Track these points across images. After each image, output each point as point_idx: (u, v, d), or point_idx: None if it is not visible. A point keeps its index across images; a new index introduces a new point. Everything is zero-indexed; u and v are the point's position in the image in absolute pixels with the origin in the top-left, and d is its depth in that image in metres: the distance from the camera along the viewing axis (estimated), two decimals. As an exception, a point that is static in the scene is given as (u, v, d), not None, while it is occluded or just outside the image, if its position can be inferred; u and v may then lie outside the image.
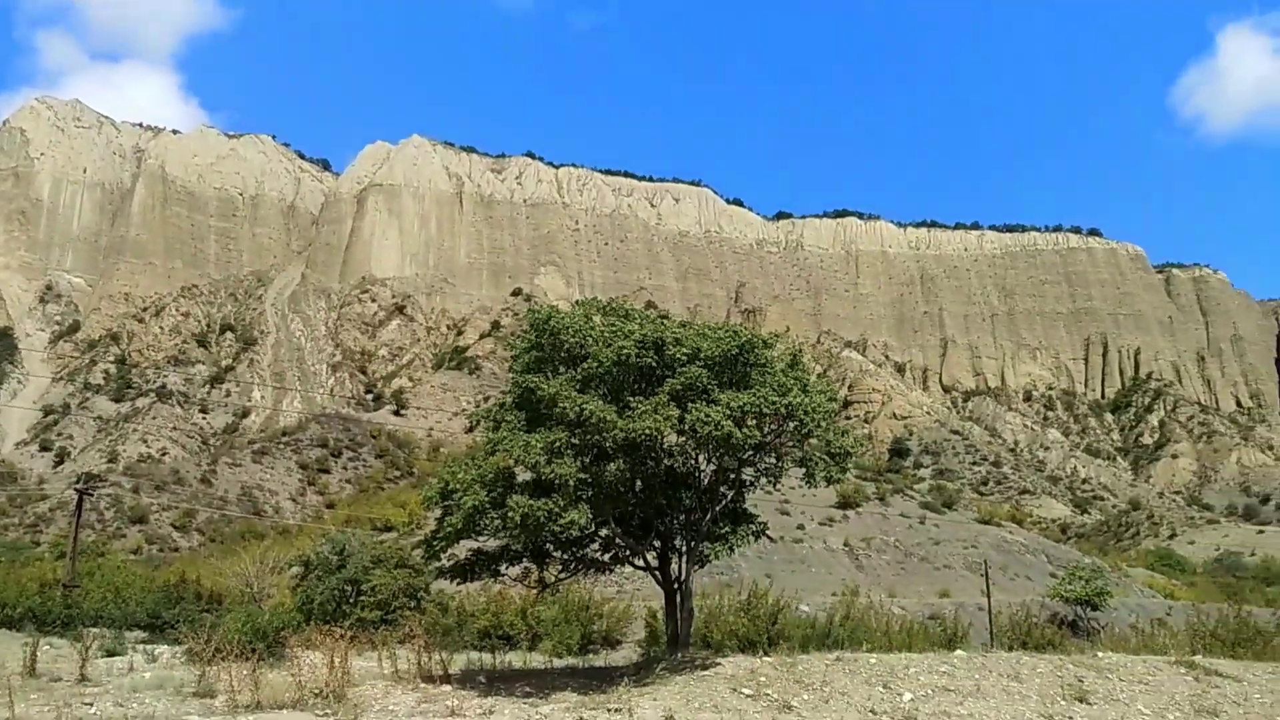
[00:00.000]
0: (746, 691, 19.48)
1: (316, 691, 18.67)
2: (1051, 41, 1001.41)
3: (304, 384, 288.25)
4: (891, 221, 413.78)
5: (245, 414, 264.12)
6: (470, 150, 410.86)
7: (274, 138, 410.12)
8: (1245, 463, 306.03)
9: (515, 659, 29.08)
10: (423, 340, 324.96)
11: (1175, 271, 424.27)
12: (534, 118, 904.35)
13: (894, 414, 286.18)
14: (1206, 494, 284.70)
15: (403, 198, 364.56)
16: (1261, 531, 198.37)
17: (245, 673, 18.98)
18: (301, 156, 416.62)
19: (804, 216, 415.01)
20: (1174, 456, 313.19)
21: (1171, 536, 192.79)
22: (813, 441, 22.61)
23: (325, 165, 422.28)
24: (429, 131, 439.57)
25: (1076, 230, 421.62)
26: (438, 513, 22.49)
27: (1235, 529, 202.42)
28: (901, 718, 19.25)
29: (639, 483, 22.41)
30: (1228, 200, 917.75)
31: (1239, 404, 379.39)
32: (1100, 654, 27.01)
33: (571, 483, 19.82)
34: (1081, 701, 21.68)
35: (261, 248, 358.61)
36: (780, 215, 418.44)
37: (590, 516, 20.48)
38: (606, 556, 24.21)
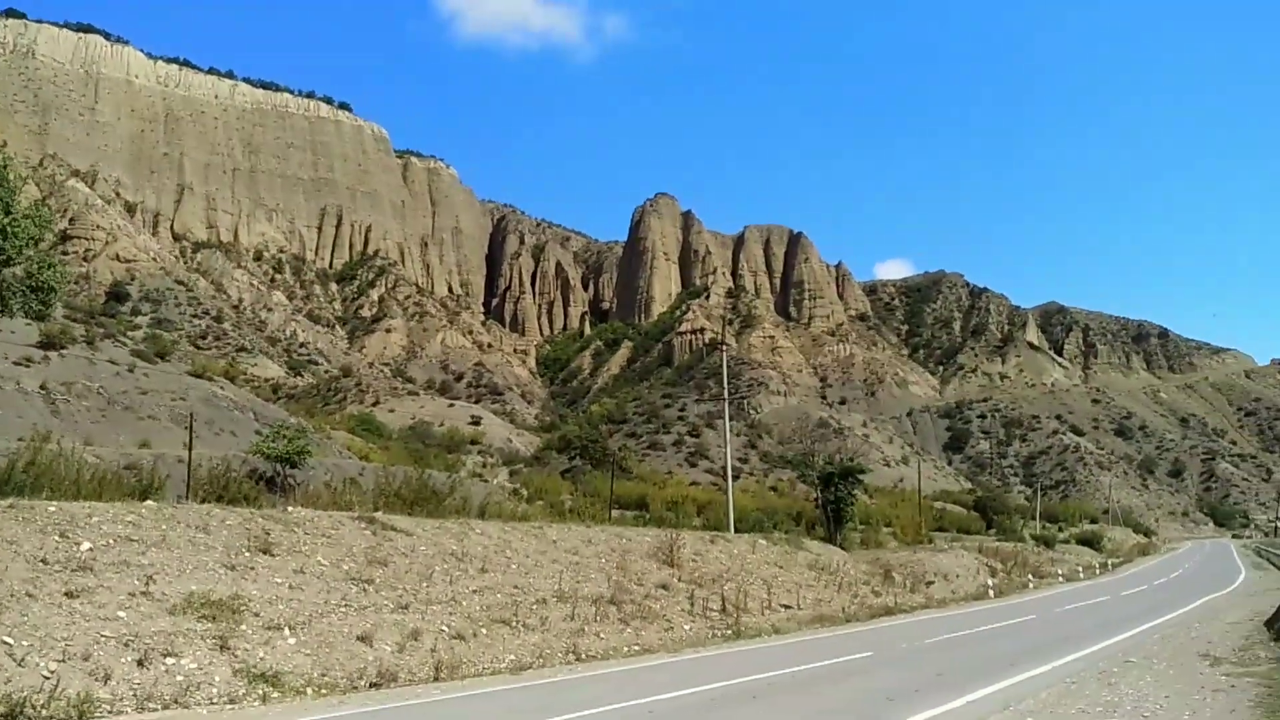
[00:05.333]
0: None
1: None
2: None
3: None
4: (141, 50, 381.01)
5: None
6: None
7: None
8: (448, 343, 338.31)
9: None
10: None
11: (413, 160, 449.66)
12: None
13: (117, 255, 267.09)
14: (411, 368, 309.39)
15: None
16: (452, 405, 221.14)
17: None
18: None
19: (39, 21, 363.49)
20: (388, 331, 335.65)
21: (375, 404, 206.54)
22: (15, 271, 20.33)
23: None
24: None
25: (328, 101, 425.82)
26: None
27: (431, 401, 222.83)
28: (76, 566, 18.45)
29: None
30: (468, 101, 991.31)
31: (450, 290, 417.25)
32: (291, 509, 28.26)
33: None
34: (266, 553, 22.57)
35: None
36: (10, 13, 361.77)
37: None
38: None
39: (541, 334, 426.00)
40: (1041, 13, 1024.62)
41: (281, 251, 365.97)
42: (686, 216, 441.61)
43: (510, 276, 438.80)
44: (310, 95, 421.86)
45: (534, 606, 25.55)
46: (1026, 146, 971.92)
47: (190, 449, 38.74)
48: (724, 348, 76.98)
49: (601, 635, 25.47)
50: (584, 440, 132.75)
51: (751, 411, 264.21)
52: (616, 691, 18.60)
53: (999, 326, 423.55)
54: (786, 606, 35.65)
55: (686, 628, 28.67)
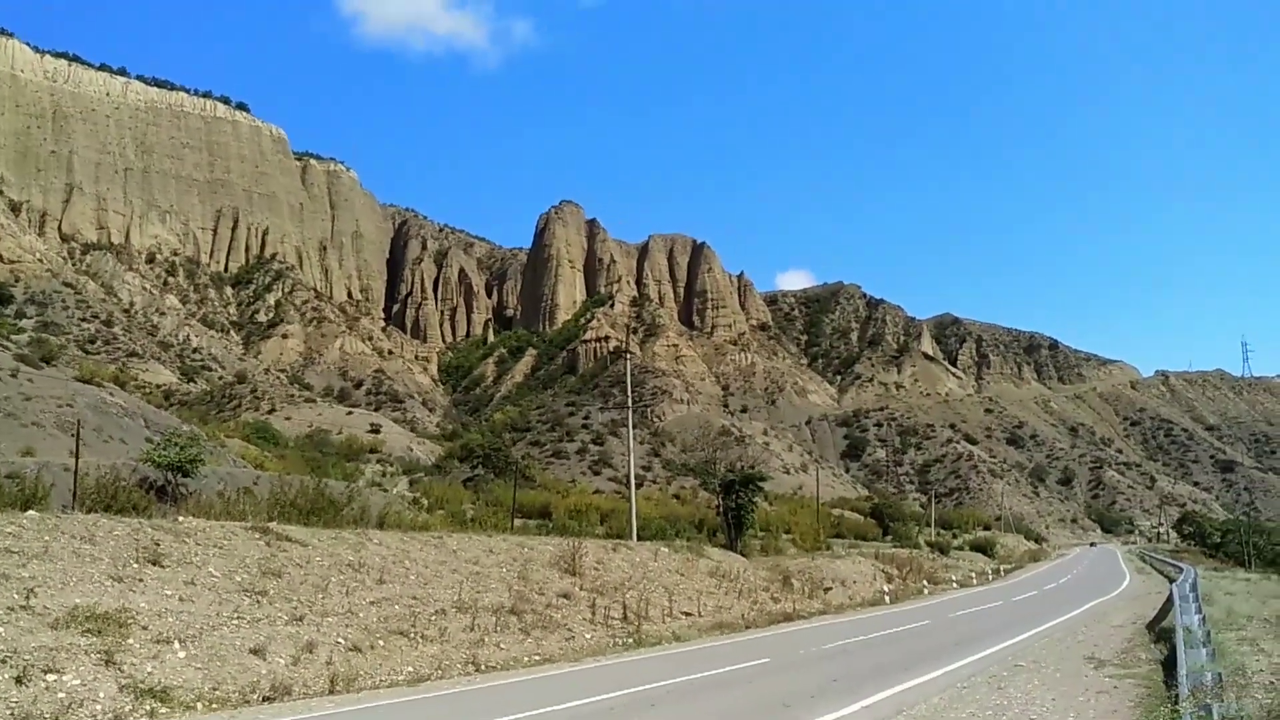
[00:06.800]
0: None
1: None
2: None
3: None
4: (28, 44, 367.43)
5: None
6: None
7: None
8: (347, 350, 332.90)
9: None
10: None
11: (312, 162, 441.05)
12: None
13: (1, 256, 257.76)
14: (309, 374, 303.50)
15: None
16: (350, 413, 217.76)
17: None
18: None
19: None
20: (285, 336, 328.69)
21: (271, 411, 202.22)
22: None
23: None
24: None
25: (225, 101, 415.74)
26: None
27: (329, 409, 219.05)
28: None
29: None
30: (369, 104, 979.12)
31: (350, 295, 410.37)
32: (182, 518, 27.53)
33: None
34: (155, 564, 21.94)
35: None
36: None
37: None
38: None
39: (444, 341, 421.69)
40: (939, 27, 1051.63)
41: (175, 254, 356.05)
42: (591, 224, 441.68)
43: (412, 282, 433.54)
44: (207, 94, 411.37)
45: (433, 617, 25.26)
46: (925, 162, 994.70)
47: (77, 457, 37.47)
48: (628, 356, 77.30)
49: (502, 645, 25.29)
50: (486, 449, 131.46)
51: (655, 420, 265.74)
52: (516, 702, 18.48)
53: (895, 337, 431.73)
54: (687, 614, 35.82)
55: (588, 636, 28.62)
